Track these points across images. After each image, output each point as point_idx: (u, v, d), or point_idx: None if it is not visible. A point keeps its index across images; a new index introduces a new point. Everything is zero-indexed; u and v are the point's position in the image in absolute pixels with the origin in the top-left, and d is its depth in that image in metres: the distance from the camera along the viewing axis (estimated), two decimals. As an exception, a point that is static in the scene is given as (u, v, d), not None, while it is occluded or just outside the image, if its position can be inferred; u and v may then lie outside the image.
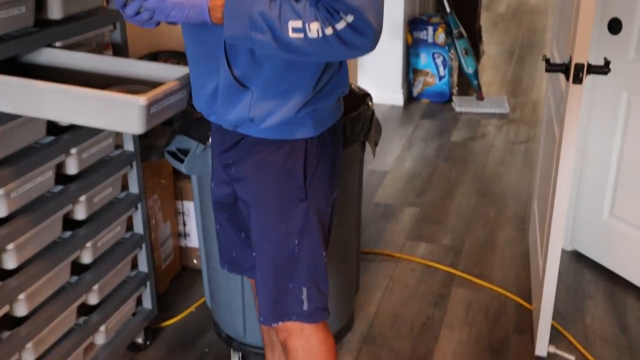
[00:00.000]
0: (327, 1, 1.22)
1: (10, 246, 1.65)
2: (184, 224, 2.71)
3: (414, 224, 3.20)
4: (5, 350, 1.67)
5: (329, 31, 1.22)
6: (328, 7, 1.22)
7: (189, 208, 2.67)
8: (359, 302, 2.58)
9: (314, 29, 1.23)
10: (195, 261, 2.77)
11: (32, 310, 1.76)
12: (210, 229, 2.10)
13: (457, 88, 4.99)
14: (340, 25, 1.22)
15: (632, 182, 2.64)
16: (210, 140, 1.80)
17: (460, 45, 4.78)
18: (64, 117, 1.49)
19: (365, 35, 1.23)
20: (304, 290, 1.53)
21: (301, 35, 1.23)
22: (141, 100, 1.38)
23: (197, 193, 2.12)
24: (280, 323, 1.58)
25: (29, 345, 1.73)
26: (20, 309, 1.71)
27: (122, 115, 1.41)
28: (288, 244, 1.50)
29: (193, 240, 2.73)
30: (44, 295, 1.78)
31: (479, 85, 4.84)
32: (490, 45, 6.37)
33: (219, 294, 2.18)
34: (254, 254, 1.64)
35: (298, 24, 1.23)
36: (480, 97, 4.82)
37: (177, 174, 2.62)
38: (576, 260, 2.87)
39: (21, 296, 1.70)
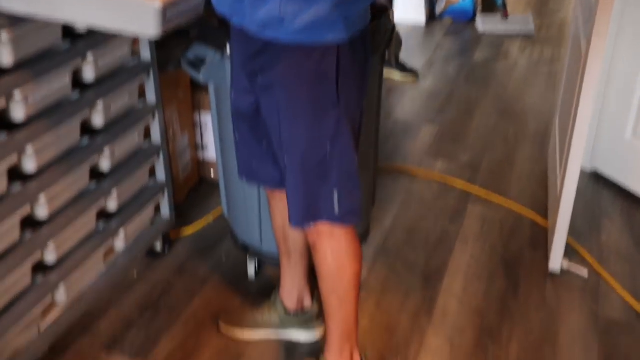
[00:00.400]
0: None
1: (29, 149, 1.67)
2: (202, 136, 2.72)
3: (433, 142, 3.19)
4: (28, 248, 1.72)
5: None
6: None
7: (207, 120, 2.67)
8: (375, 215, 2.61)
9: None
10: (212, 173, 2.79)
11: (53, 214, 1.79)
12: (227, 140, 2.10)
13: (481, 6, 4.86)
14: None
15: (657, 101, 2.59)
16: (228, 48, 1.78)
17: (486, -40, 4.64)
18: (77, 18, 1.48)
19: None
20: (335, 193, 1.54)
21: None
22: (157, 3, 1.36)
23: (215, 103, 2.12)
24: (311, 224, 1.59)
25: (51, 244, 1.78)
26: (42, 211, 1.74)
27: (138, 18, 1.40)
28: (320, 150, 1.50)
29: (210, 152, 2.75)
30: (63, 199, 1.81)
31: (504, 3, 4.71)
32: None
33: (235, 205, 2.21)
34: (273, 164, 1.67)
35: None
36: (505, 15, 4.70)
37: (194, 85, 2.61)
38: (595, 180, 2.86)
39: (42, 199, 1.73)
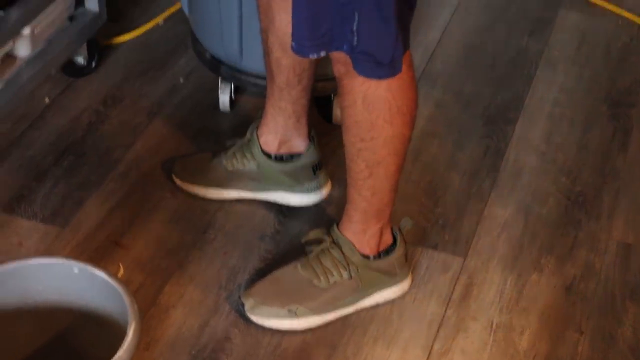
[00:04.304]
0: None
1: None
2: None
3: None
4: None
5: None
6: None
7: None
8: (415, 21, 2.54)
9: None
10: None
11: None
12: None
13: None
14: None
15: None
16: None
17: None
18: None
19: None
20: (356, 15, 1.52)
21: None
22: None
23: None
24: (322, 53, 1.59)
25: None
26: None
27: None
28: None
29: None
30: None
31: None
32: None
33: (203, -5, 2.16)
34: None
35: None
36: None
37: None
38: None
39: None
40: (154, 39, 2.51)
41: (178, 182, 2.06)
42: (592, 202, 2.10)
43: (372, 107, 1.63)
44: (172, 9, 2.58)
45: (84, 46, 2.31)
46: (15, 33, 2.03)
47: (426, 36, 2.57)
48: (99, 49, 2.38)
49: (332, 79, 1.71)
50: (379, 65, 1.58)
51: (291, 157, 2.01)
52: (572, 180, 2.16)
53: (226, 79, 2.24)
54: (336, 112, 2.20)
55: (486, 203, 2.08)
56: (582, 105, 2.38)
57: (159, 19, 2.56)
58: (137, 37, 2.50)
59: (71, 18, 2.24)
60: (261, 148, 1.99)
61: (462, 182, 2.14)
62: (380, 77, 1.60)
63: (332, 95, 2.20)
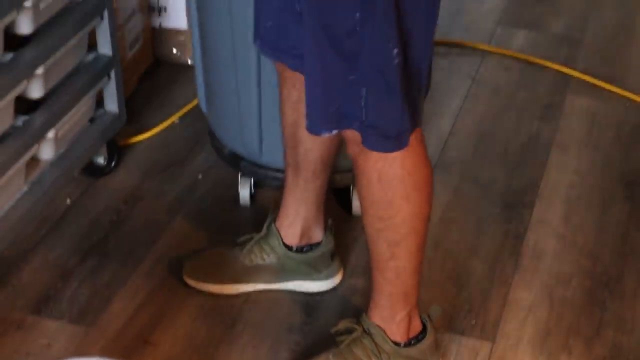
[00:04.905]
0: None
1: None
2: (158, -9, 2.70)
3: (508, 2, 3.18)
4: None
5: None
6: None
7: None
8: (428, 112, 2.59)
9: None
10: (175, 50, 2.78)
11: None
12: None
13: None
14: None
15: None
16: None
17: None
18: None
19: None
20: (363, 91, 1.57)
21: None
22: None
23: None
24: (333, 132, 1.63)
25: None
26: None
27: None
28: (346, 12, 1.52)
29: (172, 17, 2.73)
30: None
31: None
32: None
33: (221, 92, 2.19)
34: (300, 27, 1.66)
35: None
36: None
37: None
38: None
39: None
40: (171, 137, 2.53)
41: (192, 282, 2.06)
42: (615, 282, 2.10)
43: (388, 185, 1.65)
44: (187, 108, 2.61)
45: (104, 146, 2.34)
46: (40, 137, 2.05)
47: (438, 124, 2.60)
48: (117, 149, 2.40)
49: (350, 170, 1.74)
50: (385, 139, 1.61)
51: (311, 247, 2.02)
52: (593, 261, 2.16)
53: (246, 174, 2.26)
54: (356, 203, 2.22)
55: (510, 287, 2.08)
56: (597, 187, 2.39)
57: (174, 118, 2.59)
58: (154, 136, 2.53)
59: (92, 120, 2.27)
60: (282, 241, 2.01)
61: (484, 267, 2.14)
62: (387, 150, 1.62)
63: (351, 186, 2.22)
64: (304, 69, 1.63)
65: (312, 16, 1.55)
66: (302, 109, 1.73)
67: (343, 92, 1.59)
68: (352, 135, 1.63)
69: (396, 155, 1.63)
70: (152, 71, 2.75)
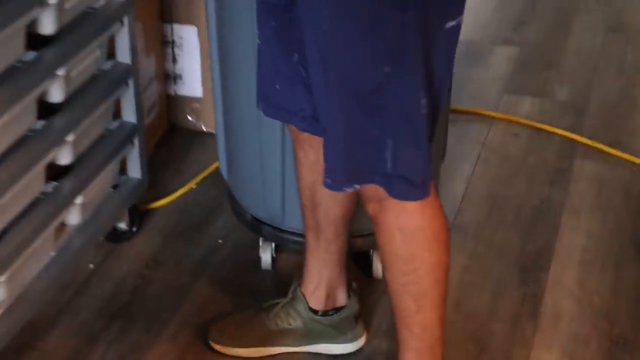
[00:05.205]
0: None
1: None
2: (174, 60, 2.72)
3: (513, 70, 3.24)
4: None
5: None
6: None
7: (183, 35, 2.68)
8: (440, 178, 2.63)
9: None
10: (190, 117, 2.81)
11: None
12: (232, 59, 2.10)
13: None
14: None
15: None
16: None
17: None
18: None
19: None
20: (390, 142, 1.58)
21: None
22: None
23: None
24: (355, 186, 1.63)
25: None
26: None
27: None
28: (372, 72, 1.52)
29: (188, 85, 2.76)
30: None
31: None
32: None
33: (244, 157, 2.21)
34: (304, 89, 1.69)
35: None
36: None
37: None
38: None
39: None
40: (190, 202, 2.55)
41: (218, 347, 2.05)
42: (633, 343, 2.12)
43: (410, 237, 1.66)
44: (205, 173, 2.64)
45: (126, 211, 2.36)
46: (68, 203, 2.07)
47: (452, 189, 2.63)
48: (139, 214, 2.42)
49: (370, 234, 1.74)
50: (413, 187, 1.62)
51: (336, 310, 2.03)
52: (611, 322, 2.18)
53: (268, 239, 2.27)
54: (376, 266, 2.24)
55: (531, 348, 2.10)
56: (610, 250, 2.42)
57: (192, 183, 2.61)
58: (173, 201, 2.55)
59: (115, 186, 2.29)
60: (308, 305, 2.02)
61: (504, 329, 2.15)
62: (414, 198, 1.63)
63: (371, 250, 2.25)
64: (322, 127, 1.63)
65: (331, 75, 1.55)
66: (320, 169, 1.74)
67: (366, 146, 1.59)
68: (372, 191, 1.63)
69: (415, 206, 1.64)
70: (167, 137, 2.78)
